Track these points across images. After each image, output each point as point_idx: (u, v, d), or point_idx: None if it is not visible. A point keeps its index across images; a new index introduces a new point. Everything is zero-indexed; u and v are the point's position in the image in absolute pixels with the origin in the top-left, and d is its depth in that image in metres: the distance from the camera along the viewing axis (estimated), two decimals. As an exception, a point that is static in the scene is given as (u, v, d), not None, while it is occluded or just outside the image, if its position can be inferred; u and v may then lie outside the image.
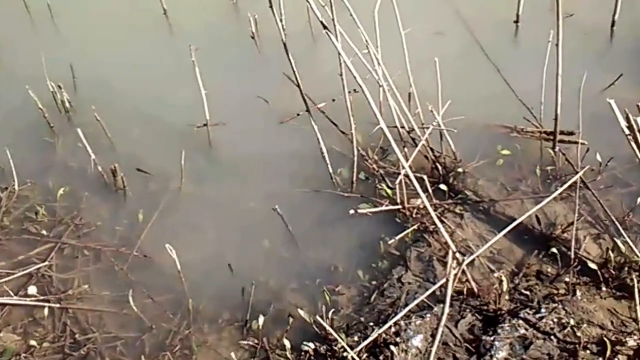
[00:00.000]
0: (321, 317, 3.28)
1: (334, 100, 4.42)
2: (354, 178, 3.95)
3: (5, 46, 4.90)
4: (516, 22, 4.90)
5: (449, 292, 2.42)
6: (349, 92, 4.40)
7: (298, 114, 4.38)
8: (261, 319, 3.33)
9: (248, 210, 4.02)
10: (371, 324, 3.31)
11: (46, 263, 3.66)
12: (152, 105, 4.53)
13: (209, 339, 3.37)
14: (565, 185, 3.37)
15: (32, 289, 3.52)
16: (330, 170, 4.00)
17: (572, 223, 3.58)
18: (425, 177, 3.77)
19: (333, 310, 3.36)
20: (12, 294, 3.48)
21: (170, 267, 3.48)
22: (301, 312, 3.34)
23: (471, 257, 3.15)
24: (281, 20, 3.36)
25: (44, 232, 3.83)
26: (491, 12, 4.99)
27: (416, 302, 3.14)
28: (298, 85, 3.76)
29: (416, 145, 4.05)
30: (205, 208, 4.04)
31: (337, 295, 3.51)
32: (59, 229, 3.87)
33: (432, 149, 4.04)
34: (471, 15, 4.98)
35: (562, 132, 4.09)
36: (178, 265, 3.40)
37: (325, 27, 2.78)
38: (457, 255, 3.06)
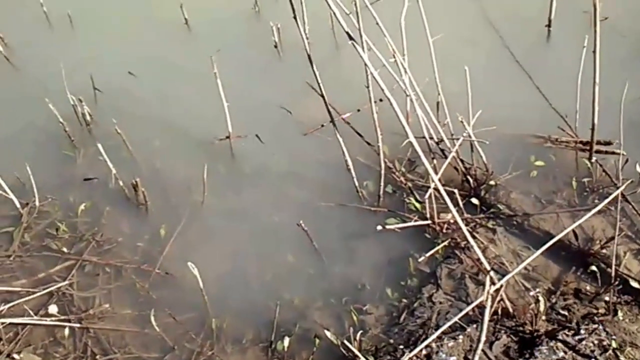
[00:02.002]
0: (348, 338, 3.16)
1: (358, 110, 4.30)
2: (381, 191, 3.81)
3: (26, 57, 4.86)
4: (548, 26, 4.73)
5: (487, 318, 2.27)
6: (375, 102, 4.29)
7: (322, 125, 4.26)
8: (286, 340, 3.22)
9: (271, 224, 3.91)
10: (401, 346, 3.17)
11: (67, 282, 3.58)
12: (174, 117, 4.44)
13: (232, 360, 3.28)
14: (606, 201, 3.20)
15: (52, 308, 3.45)
16: (356, 183, 3.87)
17: (612, 238, 3.41)
18: (455, 190, 3.62)
19: (361, 331, 3.23)
20: (32, 313, 3.41)
21: (193, 284, 3.38)
22: (327, 334, 3.22)
23: (507, 277, 3.00)
24: (305, 31, 3.24)
25: (64, 249, 3.76)
26: (522, 16, 4.82)
27: (449, 324, 3.00)
28: (322, 96, 3.63)
29: (445, 157, 3.91)
30: (228, 222, 3.94)
31: (365, 315, 3.38)
32: (80, 246, 3.79)
33: (462, 161, 3.89)
34: (501, 20, 4.81)
35: (599, 142, 3.92)
36: (201, 283, 3.30)
37: (351, 38, 2.65)
38: (492, 274, 2.92)
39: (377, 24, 3.23)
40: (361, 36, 2.96)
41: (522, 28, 4.77)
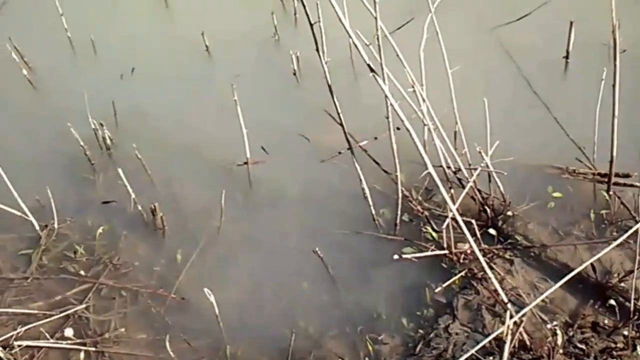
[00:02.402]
0: (364, 369, 3.14)
1: (376, 138, 4.31)
2: (398, 220, 3.81)
3: (49, 80, 4.94)
4: (566, 57, 4.75)
5: (507, 353, 2.26)
6: (393, 130, 4.31)
7: (339, 152, 4.28)
8: (301, 369, 3.22)
9: (287, 250, 3.92)
10: (417, 377, 3.15)
11: (83, 305, 3.60)
12: (193, 142, 4.49)
13: (247, 388, 3.26)
14: (626, 235, 3.18)
15: (68, 331, 3.46)
16: (373, 211, 3.88)
17: (631, 272, 3.38)
18: (473, 220, 3.61)
19: (376, 361, 3.22)
20: (48, 336, 3.42)
21: (208, 310, 3.38)
22: (343, 363, 3.21)
23: (525, 310, 2.97)
24: (326, 64, 3.28)
25: (82, 272, 3.78)
26: (539, 47, 4.85)
27: (466, 356, 2.97)
28: (342, 125, 3.66)
29: (463, 186, 3.91)
30: (244, 247, 3.95)
31: (380, 345, 3.35)
32: (97, 269, 3.82)
33: (479, 190, 3.89)
34: (519, 51, 4.84)
35: (617, 175, 3.91)
36: (216, 310, 3.30)
37: (372, 71, 2.68)
38: (510, 307, 2.91)
39: (398, 55, 3.26)
40: (382, 69, 2.98)
41: (540, 59, 4.79)
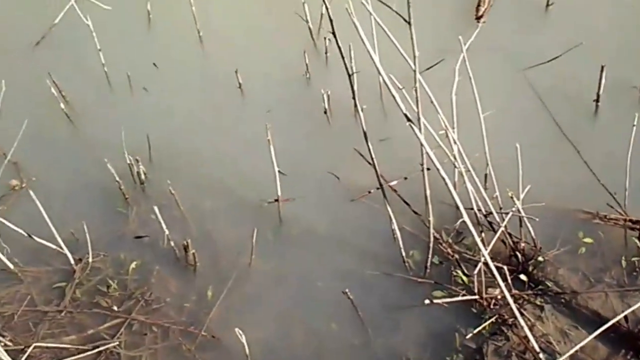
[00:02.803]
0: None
1: (405, 178, 4.35)
2: (428, 263, 3.82)
3: (85, 114, 5.05)
4: (596, 101, 4.75)
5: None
6: (420, 164, 4.34)
7: (369, 192, 4.32)
8: (330, 414, 3.21)
9: (316, 289, 3.94)
10: None
11: (116, 342, 3.64)
12: (225, 178, 4.55)
13: None
14: (660, 287, 3.16)
15: (101, 367, 3.52)
16: (403, 253, 3.90)
17: (664, 323, 3.36)
18: (504, 266, 3.61)
19: (405, 407, 3.22)
20: (80, 372, 3.48)
21: (238, 348, 3.43)
22: (372, 409, 3.21)
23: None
24: (362, 110, 3.33)
25: (114, 306, 3.83)
26: (570, 90, 4.86)
27: (496, 406, 2.96)
28: (373, 165, 3.70)
29: (493, 230, 3.92)
30: (274, 285, 3.97)
31: (410, 390, 3.36)
32: (129, 304, 3.87)
33: (510, 235, 3.89)
34: (549, 93, 4.85)
35: (649, 222, 3.89)
36: (247, 349, 3.32)
37: (409, 120, 2.73)
38: (541, 355, 2.89)
39: (432, 101, 3.31)
40: (419, 119, 3.03)
41: (570, 102, 4.79)
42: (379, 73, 3.13)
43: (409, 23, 2.67)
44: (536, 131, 4.65)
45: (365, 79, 4.27)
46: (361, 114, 3.38)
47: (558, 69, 5.05)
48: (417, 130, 2.70)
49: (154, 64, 5.32)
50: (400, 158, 4.44)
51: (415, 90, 2.98)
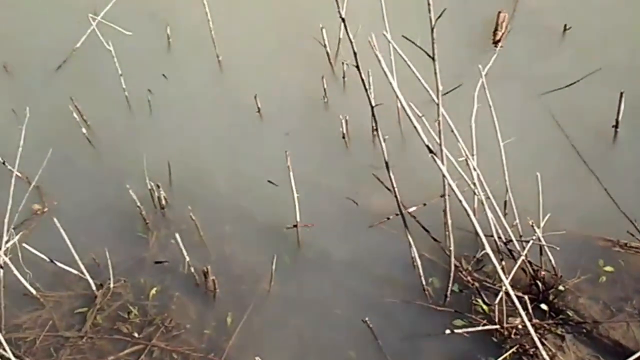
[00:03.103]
0: None
1: (425, 204, 4.36)
2: (448, 291, 3.82)
3: (106, 138, 5.10)
4: (615, 127, 4.74)
5: None
6: (441, 196, 4.34)
7: (388, 218, 4.33)
8: None
9: (335, 316, 3.94)
10: None
11: (136, 368, 3.68)
12: (243, 202, 4.58)
13: None
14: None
15: (121, 394, 3.53)
16: (423, 281, 3.89)
17: (688, 354, 3.33)
18: (525, 295, 3.60)
19: None
20: (101, 398, 3.50)
21: (258, 376, 3.44)
22: None
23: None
24: (384, 141, 3.35)
25: (134, 333, 3.85)
26: (588, 115, 4.85)
27: None
28: (394, 192, 3.71)
29: (513, 258, 3.91)
30: (292, 312, 3.98)
31: (430, 420, 3.34)
32: (149, 330, 3.88)
33: (530, 262, 3.88)
34: (568, 119, 4.84)
35: (671, 251, 3.87)
36: (266, 378, 3.33)
37: (431, 152, 2.74)
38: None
39: (452, 131, 3.32)
40: (442, 150, 3.04)
41: (589, 127, 4.78)
42: (400, 103, 3.16)
43: (433, 59, 2.70)
44: (555, 157, 4.65)
45: (383, 100, 4.27)
46: (383, 145, 3.39)
47: (576, 94, 5.05)
48: (439, 163, 2.72)
49: (164, 74, 5.39)
50: (418, 182, 4.44)
51: (438, 123, 3.00)
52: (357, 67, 2.95)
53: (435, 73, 2.80)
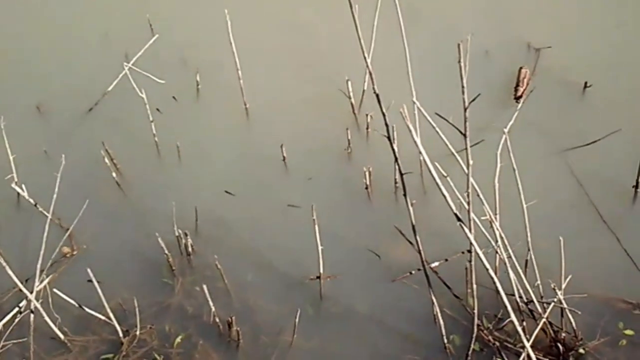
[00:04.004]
0: None
1: (446, 260, 4.43)
2: (470, 351, 3.85)
3: (135, 183, 5.22)
4: (635, 187, 4.81)
5: None
6: (463, 252, 4.41)
7: (411, 273, 4.40)
8: None
9: (356, 372, 4.00)
10: None
11: (162, 419, 3.73)
12: (267, 251, 4.67)
13: None
14: None
15: None
16: (444, 338, 3.94)
17: None
18: (545, 358, 3.64)
19: None
20: None
21: None
22: None
23: None
24: (412, 205, 3.44)
25: (160, 381, 3.94)
26: (609, 174, 4.93)
27: None
28: (418, 249, 3.78)
29: (533, 317, 3.97)
30: (314, 365, 4.05)
31: None
32: (173, 378, 3.97)
33: (550, 323, 3.92)
34: (588, 177, 4.92)
35: (692, 317, 3.90)
36: None
37: (459, 220, 2.83)
38: None
39: (478, 195, 3.41)
40: (470, 219, 3.13)
41: (609, 187, 4.85)
42: (426, 164, 3.24)
43: (465, 135, 2.80)
44: (575, 216, 4.71)
45: (403, 149, 4.37)
46: (411, 209, 3.48)
47: (597, 153, 5.14)
48: (467, 231, 2.80)
49: (174, 97, 5.52)
50: (438, 235, 4.52)
51: (468, 195, 3.08)
52: (389, 138, 3.06)
53: (467, 148, 2.91)
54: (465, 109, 2.70)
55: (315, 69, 6.01)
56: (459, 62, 2.52)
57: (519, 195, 3.90)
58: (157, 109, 5.59)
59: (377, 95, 2.98)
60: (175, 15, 6.64)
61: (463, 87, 2.58)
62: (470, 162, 2.95)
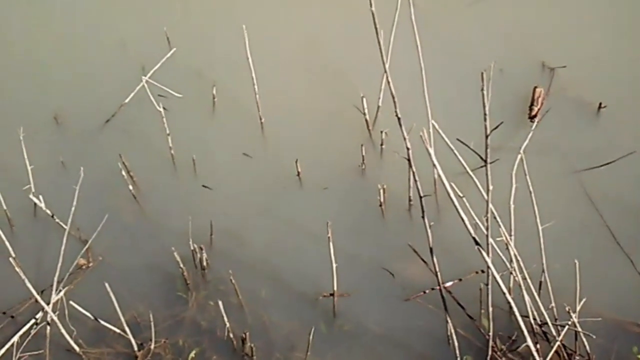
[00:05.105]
0: None
1: (460, 279, 4.44)
2: (484, 372, 3.88)
3: (150, 195, 5.25)
4: (651, 210, 4.82)
5: None
6: (476, 272, 4.43)
7: (424, 292, 4.41)
8: None
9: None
10: None
11: None
12: (280, 267, 4.69)
13: None
14: None
15: None
16: (458, 358, 3.95)
17: None
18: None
19: None
20: None
21: None
22: None
23: None
24: (430, 227, 3.46)
25: (173, 397, 3.96)
26: (624, 196, 4.93)
27: None
28: (435, 274, 3.80)
29: (547, 339, 3.97)
30: (326, 383, 4.06)
31: None
32: (186, 394, 3.99)
33: (564, 346, 3.92)
34: (603, 199, 4.92)
35: None
36: None
37: (477, 244, 2.85)
38: None
39: (495, 218, 3.42)
40: (488, 243, 3.14)
41: (624, 209, 4.85)
42: (442, 183, 3.27)
43: (486, 162, 2.82)
44: (589, 238, 4.71)
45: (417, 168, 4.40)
46: (429, 231, 3.50)
47: (611, 174, 5.13)
48: (485, 255, 2.82)
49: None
50: (451, 254, 4.53)
51: (487, 220, 3.10)
52: (409, 161, 3.09)
53: (487, 175, 2.93)
54: (486, 136, 2.72)
55: (331, 85, 6.04)
56: (482, 90, 2.55)
57: (534, 216, 3.93)
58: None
59: (399, 119, 3.01)
60: (193, 28, 6.68)
61: (485, 114, 2.60)
62: (490, 187, 2.97)
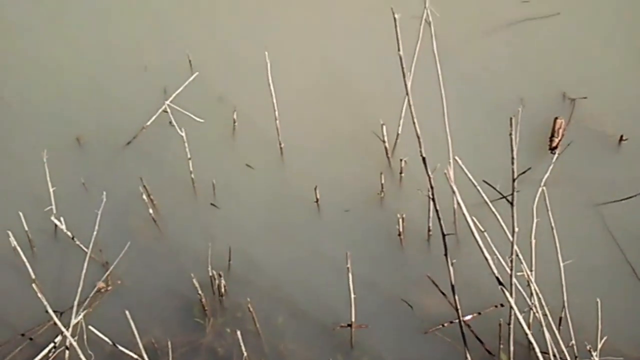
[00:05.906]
0: None
1: (479, 313, 4.41)
2: (502, 410, 3.84)
3: (169, 219, 5.29)
4: (665, 232, 4.78)
5: None
6: (496, 306, 4.40)
7: (443, 325, 4.38)
8: None
9: None
10: None
11: None
12: (299, 297, 4.69)
13: None
14: None
15: None
16: (476, 395, 3.93)
17: None
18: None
19: None
20: None
21: None
22: None
23: None
24: (452, 264, 3.46)
25: None
26: (636, 218, 4.91)
27: None
28: (455, 308, 3.78)
29: (567, 377, 3.93)
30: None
31: None
32: (203, 421, 3.98)
33: (584, 384, 3.88)
34: (623, 233, 4.90)
35: None
36: None
37: (500, 284, 2.83)
38: None
39: (519, 258, 3.40)
40: (511, 282, 3.13)
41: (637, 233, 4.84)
42: (463, 215, 3.26)
43: (512, 204, 2.82)
44: (610, 274, 4.67)
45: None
46: (451, 269, 3.50)
47: (633, 208, 5.10)
48: (509, 296, 2.80)
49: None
50: (471, 286, 4.50)
51: (511, 261, 3.09)
52: (433, 200, 3.10)
53: (513, 216, 2.92)
54: (513, 180, 2.72)
55: (350, 112, 6.07)
56: (510, 135, 2.56)
57: (554, 251, 3.90)
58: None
59: (424, 159, 3.02)
60: (215, 53, 6.75)
61: (513, 158, 2.61)
62: (516, 229, 2.96)
